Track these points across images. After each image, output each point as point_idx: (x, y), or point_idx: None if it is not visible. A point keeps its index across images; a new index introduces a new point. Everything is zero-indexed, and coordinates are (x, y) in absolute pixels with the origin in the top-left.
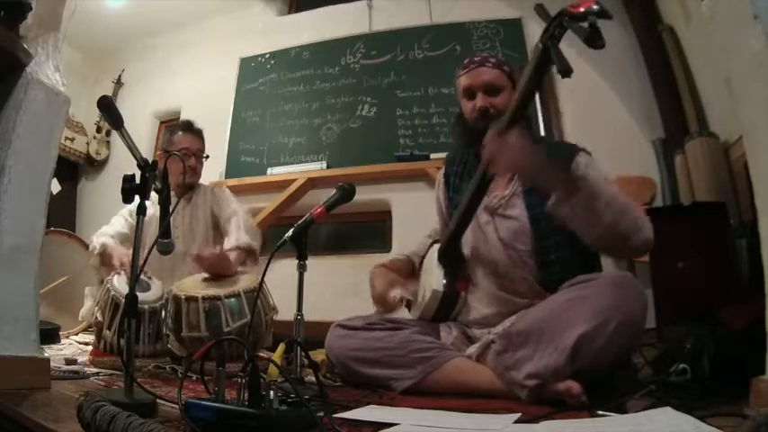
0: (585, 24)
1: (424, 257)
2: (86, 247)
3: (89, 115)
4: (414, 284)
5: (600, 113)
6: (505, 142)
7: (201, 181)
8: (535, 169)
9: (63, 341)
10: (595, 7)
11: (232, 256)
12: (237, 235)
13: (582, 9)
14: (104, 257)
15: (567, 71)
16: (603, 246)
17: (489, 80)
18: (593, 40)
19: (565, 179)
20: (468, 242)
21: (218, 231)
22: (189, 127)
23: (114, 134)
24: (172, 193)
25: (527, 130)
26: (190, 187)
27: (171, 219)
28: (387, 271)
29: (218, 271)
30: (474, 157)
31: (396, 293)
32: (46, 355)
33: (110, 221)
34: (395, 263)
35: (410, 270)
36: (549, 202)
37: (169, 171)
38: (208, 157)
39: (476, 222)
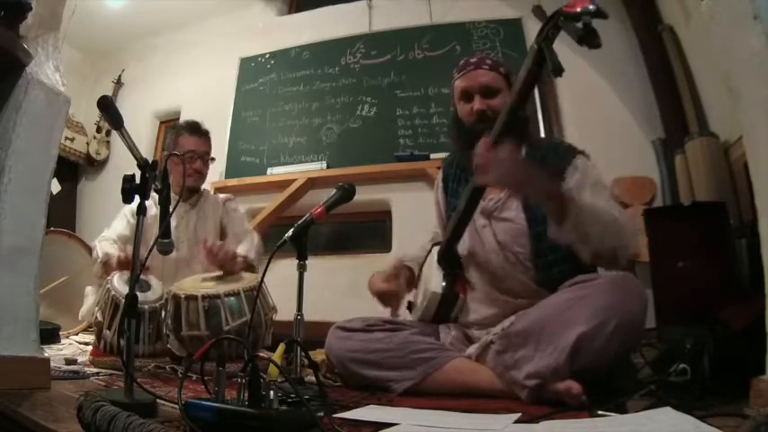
0: (580, 24)
1: (423, 263)
2: (86, 247)
3: (89, 115)
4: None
5: (600, 114)
6: (495, 155)
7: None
8: (523, 184)
9: (63, 341)
10: (591, 7)
11: (239, 259)
12: (248, 248)
13: (578, 9)
14: (107, 268)
15: (557, 70)
16: (599, 260)
17: (486, 82)
18: (589, 39)
19: (553, 195)
20: (465, 245)
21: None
22: (196, 128)
23: (114, 134)
24: (173, 195)
25: (520, 140)
26: (194, 191)
27: (174, 223)
28: (383, 272)
29: (225, 266)
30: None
31: (392, 283)
32: (46, 355)
33: (110, 225)
34: (392, 269)
35: (409, 275)
36: (549, 229)
37: (172, 173)
38: (214, 159)
39: (473, 226)
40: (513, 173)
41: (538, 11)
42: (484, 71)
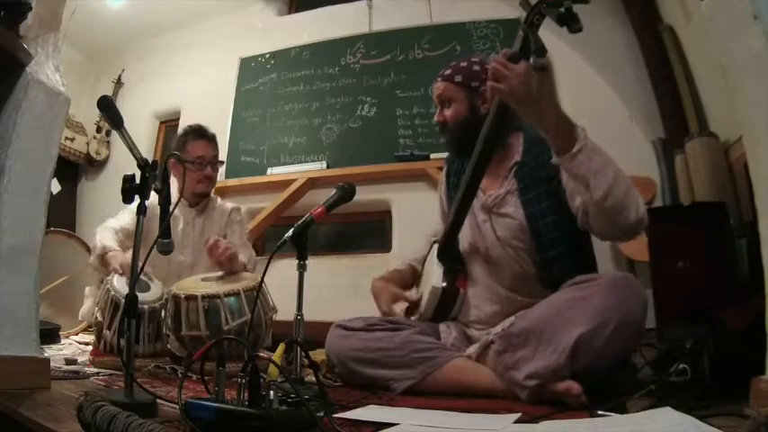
0: (562, 9)
1: (425, 259)
2: (86, 247)
3: (89, 115)
4: (415, 292)
5: (600, 113)
6: (513, 67)
7: None
8: (536, 101)
9: (63, 341)
10: None
11: (240, 263)
12: (248, 257)
13: None
14: (104, 261)
15: (541, 50)
16: (602, 217)
17: (438, 95)
18: (568, 22)
19: (560, 123)
20: (467, 238)
21: None
22: (202, 132)
23: (114, 134)
24: (181, 198)
25: (541, 69)
26: (204, 196)
27: (181, 226)
28: (387, 284)
29: (227, 264)
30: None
31: (400, 307)
32: (46, 355)
33: (117, 215)
34: (394, 274)
35: (412, 278)
36: (554, 156)
37: (182, 179)
38: (223, 163)
39: (474, 221)
40: (527, 87)
41: (524, 2)
42: (438, 83)
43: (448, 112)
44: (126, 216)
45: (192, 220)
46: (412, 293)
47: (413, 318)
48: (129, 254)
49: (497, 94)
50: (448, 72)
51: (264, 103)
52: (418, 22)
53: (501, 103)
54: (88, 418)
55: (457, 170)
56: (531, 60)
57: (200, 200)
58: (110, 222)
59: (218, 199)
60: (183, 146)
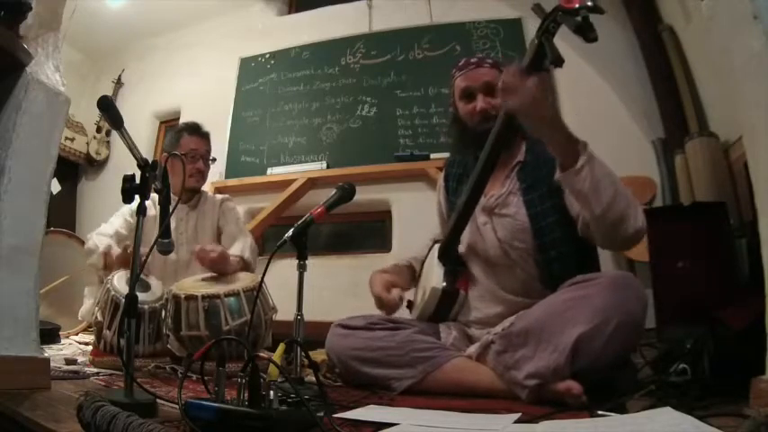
0: (579, 18)
1: (425, 261)
2: None
3: (89, 115)
4: (412, 288)
5: (600, 113)
6: (524, 80)
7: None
8: (543, 117)
9: (63, 341)
10: (589, 3)
11: (233, 259)
12: (243, 248)
13: (576, 5)
14: (108, 259)
15: (558, 61)
16: (601, 230)
17: (489, 80)
18: (585, 31)
19: (569, 135)
20: (466, 240)
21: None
22: (197, 129)
23: (114, 134)
24: (172, 195)
25: (547, 80)
26: (195, 192)
27: (174, 224)
28: (384, 274)
29: (218, 268)
30: (473, 160)
31: (394, 292)
32: (46, 355)
33: (109, 221)
34: (394, 267)
35: (411, 275)
36: (557, 171)
37: (172, 174)
38: (215, 160)
39: (474, 224)
40: (538, 102)
41: (537, 9)
42: (486, 69)
43: (496, 101)
44: (117, 221)
45: (186, 217)
46: (410, 293)
47: (411, 314)
48: (122, 250)
49: (507, 107)
50: (491, 61)
51: (264, 103)
52: (418, 22)
53: (508, 116)
54: (88, 418)
55: (456, 174)
56: (549, 62)
57: (191, 196)
58: (102, 228)
59: (209, 193)
60: (178, 140)
